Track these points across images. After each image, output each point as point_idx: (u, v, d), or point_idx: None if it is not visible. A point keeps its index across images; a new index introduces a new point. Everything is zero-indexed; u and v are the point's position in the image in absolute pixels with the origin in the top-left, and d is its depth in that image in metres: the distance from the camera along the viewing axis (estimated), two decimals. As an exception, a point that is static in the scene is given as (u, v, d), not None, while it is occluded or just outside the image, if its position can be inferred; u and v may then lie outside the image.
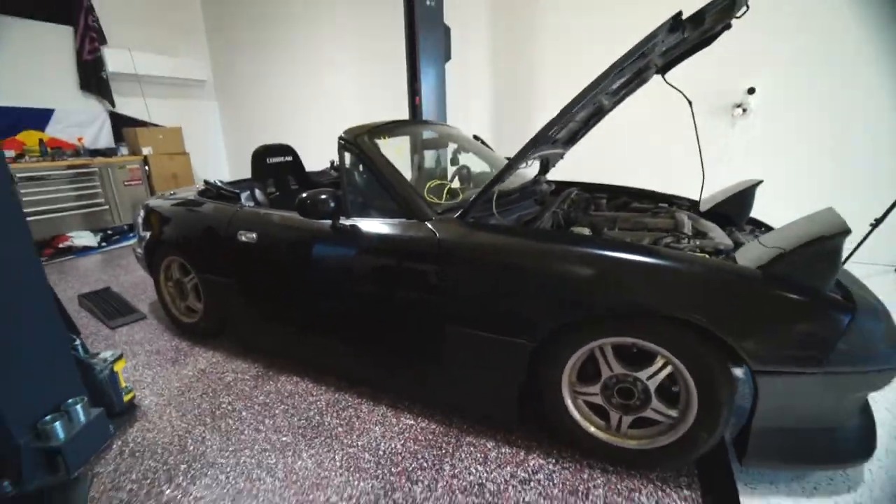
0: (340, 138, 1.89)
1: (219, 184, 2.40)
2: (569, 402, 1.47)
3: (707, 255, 1.50)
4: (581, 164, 3.38)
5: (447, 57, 3.91)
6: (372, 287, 1.71)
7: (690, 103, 2.08)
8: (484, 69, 4.43)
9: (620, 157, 3.98)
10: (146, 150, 4.67)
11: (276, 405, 1.85)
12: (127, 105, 4.84)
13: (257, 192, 2.26)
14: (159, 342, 2.41)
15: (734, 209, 2.19)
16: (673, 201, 2.46)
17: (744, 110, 3.52)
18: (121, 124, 4.75)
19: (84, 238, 4.13)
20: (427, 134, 2.48)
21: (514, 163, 1.56)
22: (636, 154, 3.98)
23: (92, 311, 2.81)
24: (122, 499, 1.40)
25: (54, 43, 4.25)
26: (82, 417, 1.56)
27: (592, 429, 1.46)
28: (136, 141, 4.64)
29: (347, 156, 1.86)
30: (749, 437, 1.29)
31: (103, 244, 4.38)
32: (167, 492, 1.42)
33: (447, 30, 3.86)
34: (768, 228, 2.18)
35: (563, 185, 2.61)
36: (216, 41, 5.76)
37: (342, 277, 1.79)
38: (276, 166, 2.46)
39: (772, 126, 3.48)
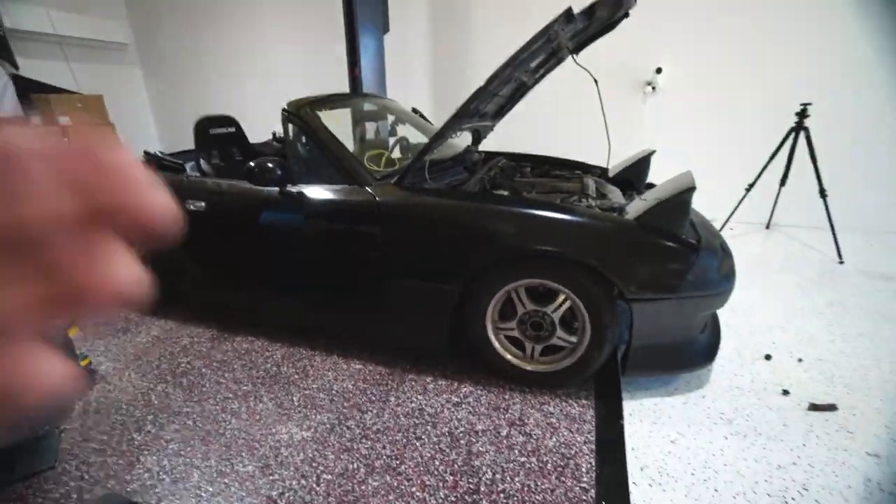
0: (284, 110, 2.00)
1: (160, 154, 2.41)
2: (492, 337, 1.78)
3: (600, 211, 1.84)
4: (510, 135, 3.68)
5: (385, 29, 3.98)
6: (320, 247, 1.89)
7: (596, 82, 2.37)
8: (423, 42, 4.53)
9: (545, 129, 4.32)
10: (63, 120, 4.33)
11: (234, 361, 2.00)
12: (36, 68, 4.41)
13: (202, 162, 2.31)
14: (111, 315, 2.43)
15: (633, 175, 2.56)
16: (587, 169, 2.80)
17: (653, 88, 3.96)
18: (29, 90, 4.34)
19: None
20: (367, 106, 2.62)
21: (442, 132, 1.78)
22: (560, 126, 4.34)
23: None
24: (94, 448, 1.53)
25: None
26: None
27: (510, 357, 1.78)
28: (49, 109, 4.28)
29: (291, 126, 1.98)
30: (629, 354, 1.67)
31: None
32: (138, 438, 1.57)
33: (384, 1, 3.91)
34: None
35: (492, 155, 2.87)
36: (136, 3, 5.32)
37: (291, 239, 1.95)
38: (219, 137, 2.50)
39: (677, 102, 3.95)
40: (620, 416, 1.64)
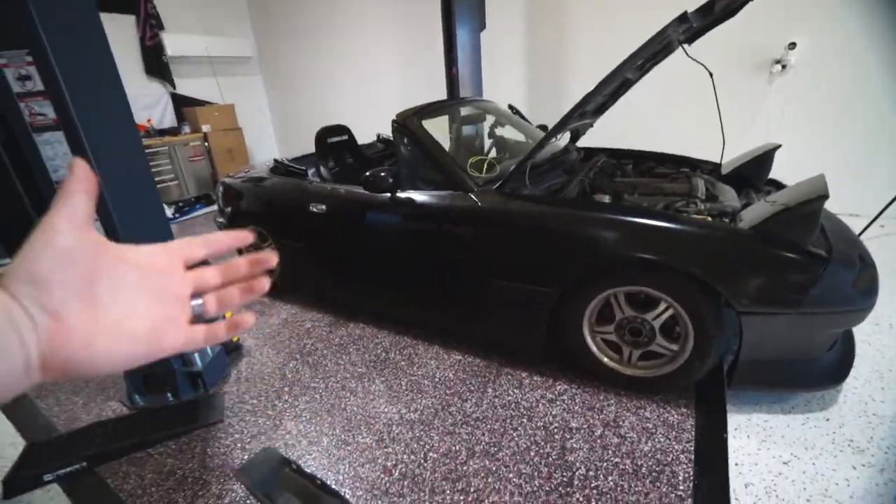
0: (393, 122, 2.19)
1: (287, 162, 2.78)
2: (588, 340, 1.81)
3: (710, 217, 1.75)
4: (615, 130, 3.55)
5: (482, 26, 4.03)
6: (426, 248, 2.07)
7: (711, 75, 2.23)
8: (518, 38, 4.51)
9: (651, 120, 4.06)
10: (205, 128, 5.13)
11: (350, 345, 2.29)
12: (183, 86, 5.26)
13: (322, 168, 2.62)
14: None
15: (752, 172, 2.36)
16: (696, 165, 2.64)
17: (783, 66, 3.51)
18: (181, 104, 5.21)
19: (163, 210, 4.71)
20: (467, 110, 2.73)
21: (544, 141, 1.83)
22: (668, 115, 4.05)
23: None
24: (248, 409, 1.89)
25: (121, 32, 4.67)
26: (209, 351, 2.04)
27: (606, 360, 1.80)
28: (195, 119, 5.09)
29: (400, 136, 2.17)
30: (736, 366, 1.60)
31: (177, 215, 4.96)
32: (279, 405, 1.90)
33: (482, 0, 3.97)
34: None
35: (592, 152, 2.82)
36: (259, 19, 6.03)
37: (401, 240, 2.15)
38: (335, 145, 2.81)
39: (813, 83, 3.47)
40: (724, 429, 1.58)
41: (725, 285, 1.48)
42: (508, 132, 2.85)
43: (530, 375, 1.94)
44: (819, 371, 1.62)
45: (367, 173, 2.03)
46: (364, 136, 3.52)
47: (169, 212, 4.83)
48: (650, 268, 1.58)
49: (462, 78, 4.00)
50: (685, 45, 2.22)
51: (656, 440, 1.56)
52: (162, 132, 5.02)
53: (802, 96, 3.52)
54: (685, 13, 1.49)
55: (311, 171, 2.60)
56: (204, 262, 0.39)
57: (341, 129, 2.86)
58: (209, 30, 5.48)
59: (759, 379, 1.63)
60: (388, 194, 2.07)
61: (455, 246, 1.96)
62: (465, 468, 1.51)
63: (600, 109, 2.70)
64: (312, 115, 5.96)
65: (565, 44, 4.30)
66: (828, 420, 1.60)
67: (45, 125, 1.55)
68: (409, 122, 2.15)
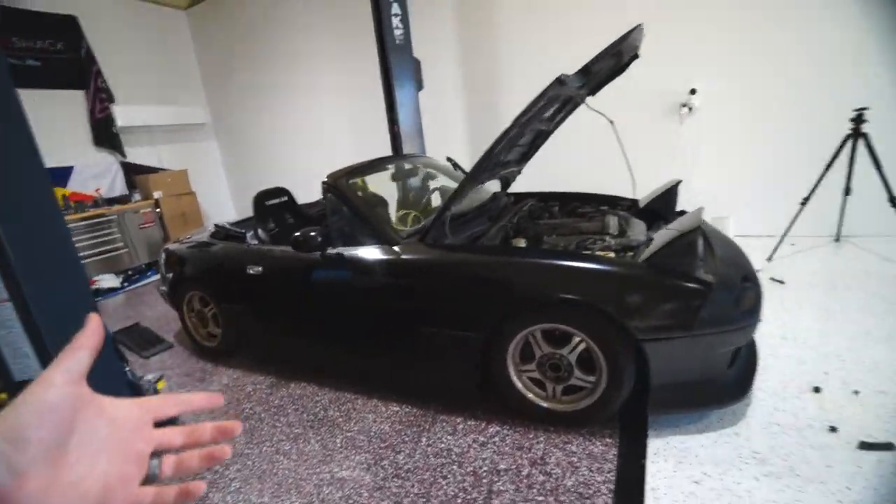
0: (323, 183, 2.31)
1: (227, 226, 2.84)
2: (514, 379, 1.87)
3: (614, 253, 1.90)
4: (549, 173, 3.81)
5: (420, 87, 4.33)
6: (357, 302, 2.13)
7: (612, 122, 2.47)
8: (456, 96, 4.86)
9: (583, 164, 4.37)
10: (157, 194, 5.15)
11: (288, 406, 2.26)
12: (136, 154, 5.33)
13: (260, 231, 2.69)
14: (187, 366, 2.85)
15: (662, 205, 2.57)
16: (617, 202, 2.84)
17: (689, 109, 3.90)
18: (132, 172, 5.25)
19: (108, 280, 4.61)
20: (399, 167, 2.89)
21: (456, 194, 1.97)
22: (597, 159, 4.36)
23: (126, 344, 3.26)
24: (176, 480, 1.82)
25: (70, 107, 4.76)
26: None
27: (532, 396, 1.86)
28: (147, 186, 5.12)
29: (330, 196, 2.28)
30: (649, 392, 1.69)
31: (125, 284, 4.85)
32: (209, 476, 1.84)
33: (417, 62, 4.29)
34: None
35: (522, 197, 3.01)
36: (212, 86, 6.27)
37: (333, 296, 2.21)
38: (273, 207, 2.90)
39: (715, 121, 3.86)
40: (643, 456, 1.64)
41: (627, 316, 1.59)
42: (443, 182, 3.02)
43: (465, 420, 1.97)
44: (723, 388, 1.72)
45: (297, 233, 2.11)
46: (317, 194, 3.64)
47: (118, 281, 4.73)
48: (558, 305, 1.69)
49: (406, 135, 4.23)
50: (588, 97, 2.47)
51: (580, 474, 1.60)
52: (111, 201, 5.00)
53: (710, 133, 3.90)
54: (560, 77, 1.69)
55: (249, 234, 2.66)
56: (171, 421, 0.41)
57: (279, 192, 2.96)
58: (163, 99, 5.64)
59: (673, 402, 1.71)
60: (319, 252, 2.15)
61: (384, 297, 2.03)
62: (392, 524, 1.50)
63: (524, 158, 2.92)
64: (267, 176, 6.08)
65: (500, 96, 4.66)
66: (737, 434, 1.69)
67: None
68: (338, 183, 2.27)
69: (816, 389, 1.89)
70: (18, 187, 1.66)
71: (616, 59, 2.08)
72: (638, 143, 4.04)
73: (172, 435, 0.40)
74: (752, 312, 1.69)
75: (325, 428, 2.05)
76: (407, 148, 4.20)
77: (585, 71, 1.86)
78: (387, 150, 4.27)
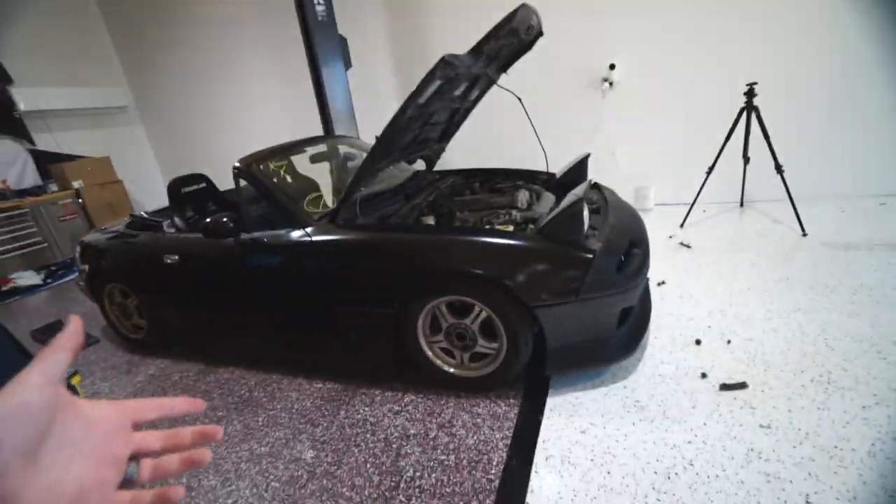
0: (234, 167, 2.27)
1: (143, 215, 2.74)
2: (426, 349, 1.97)
3: (514, 226, 2.02)
4: (478, 150, 3.89)
5: (348, 65, 4.25)
6: (273, 285, 2.15)
7: (520, 99, 2.56)
8: (385, 73, 4.79)
9: (508, 141, 4.47)
10: (76, 184, 4.83)
11: (215, 391, 2.28)
12: (48, 141, 4.94)
13: (176, 219, 2.62)
14: (113, 359, 2.78)
15: (572, 179, 2.70)
16: (535, 176, 2.96)
17: (610, 84, 4.06)
18: (45, 161, 4.88)
19: (27, 278, 4.34)
20: (314, 149, 2.86)
21: (354, 184, 2.00)
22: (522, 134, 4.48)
23: (46, 343, 3.12)
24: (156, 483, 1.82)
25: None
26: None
27: (442, 364, 1.98)
28: (63, 175, 4.79)
29: (242, 181, 2.25)
30: (546, 355, 1.83)
31: (48, 280, 4.58)
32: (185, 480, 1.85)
33: (343, 40, 4.18)
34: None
35: (447, 174, 3.07)
36: (131, 66, 5.84)
37: (250, 280, 2.21)
38: (191, 193, 2.81)
39: (633, 95, 4.04)
40: (540, 412, 1.80)
41: (516, 284, 1.71)
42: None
43: (382, 392, 2.07)
44: (613, 347, 1.89)
45: (208, 220, 2.09)
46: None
47: (39, 278, 4.46)
48: (457, 277, 1.79)
49: (337, 115, 4.17)
50: (498, 76, 2.53)
51: (481, 433, 1.74)
52: (22, 192, 4.65)
53: (629, 107, 4.09)
54: (444, 57, 1.72)
55: (166, 223, 2.59)
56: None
57: (197, 178, 2.88)
58: (74, 81, 5.21)
59: (568, 362, 1.87)
60: (232, 238, 2.14)
61: (299, 279, 2.07)
62: (303, 491, 1.58)
63: (444, 136, 2.97)
64: (202, 162, 5.82)
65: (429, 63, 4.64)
66: (625, 387, 1.88)
67: None
68: (251, 168, 2.24)
69: (697, 342, 2.11)
70: None
71: (513, 37, 2.14)
72: (565, 117, 4.22)
73: (151, 439, 0.39)
74: (635, 276, 1.86)
75: (248, 409, 2.10)
76: (339, 129, 4.14)
77: (477, 50, 1.91)
78: (320, 132, 4.20)
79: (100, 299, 2.81)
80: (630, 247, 1.98)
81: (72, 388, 2.11)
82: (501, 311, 1.79)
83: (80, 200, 4.84)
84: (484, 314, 1.84)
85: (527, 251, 1.74)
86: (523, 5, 1.80)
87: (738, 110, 3.30)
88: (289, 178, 2.58)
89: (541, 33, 2.44)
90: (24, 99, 4.67)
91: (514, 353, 1.83)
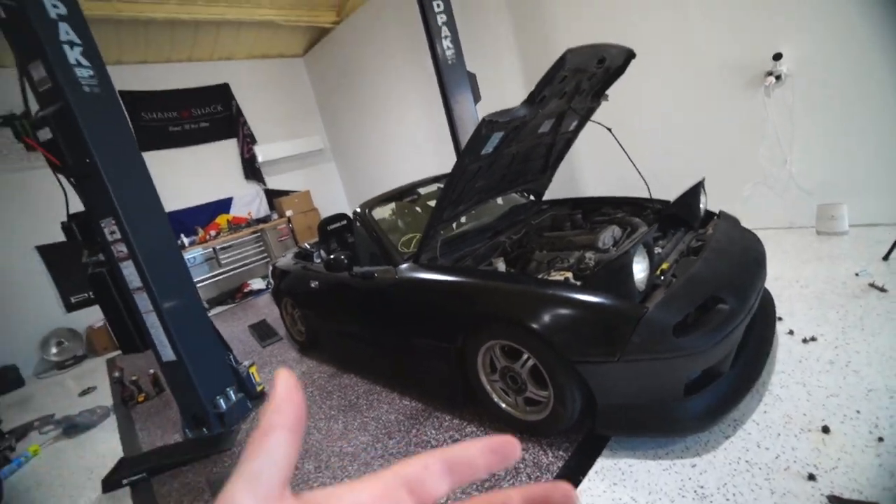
0: (354, 212, 2.81)
1: (306, 246, 3.60)
2: (487, 386, 2.09)
3: (571, 273, 1.96)
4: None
5: (477, 99, 4.55)
6: (373, 310, 2.58)
7: (609, 129, 2.41)
8: (514, 102, 4.91)
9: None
10: (288, 213, 6.49)
11: (335, 392, 2.86)
12: (274, 182, 6.78)
13: (322, 251, 3.36)
14: (286, 355, 3.73)
15: (684, 210, 2.41)
16: (646, 206, 2.72)
17: (777, 78, 3.29)
18: (271, 196, 6.70)
19: (257, 283, 6.06)
20: (425, 190, 3.23)
21: (429, 228, 2.23)
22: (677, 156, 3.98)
23: (254, 335, 4.36)
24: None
25: (227, 152, 6.36)
26: (233, 397, 2.80)
27: (501, 403, 2.05)
28: (281, 207, 6.50)
29: (357, 223, 2.77)
30: (596, 412, 1.74)
31: (269, 286, 6.28)
32: (270, 439, 2.53)
33: (473, 76, 4.51)
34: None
35: (554, 204, 3.07)
36: (327, 117, 7.50)
37: (360, 307, 2.71)
38: (335, 230, 3.55)
39: (812, 91, 3.19)
40: (584, 472, 1.72)
41: (553, 336, 1.69)
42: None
43: (451, 419, 2.26)
44: (683, 416, 1.66)
45: (331, 256, 2.66)
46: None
47: (263, 284, 6.17)
48: (505, 323, 1.86)
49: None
50: (596, 102, 2.47)
51: (518, 480, 1.77)
52: (258, 221, 6.51)
53: (807, 105, 3.23)
54: (484, 118, 1.80)
55: (315, 255, 3.36)
56: None
57: (339, 217, 3.60)
58: (290, 134, 7.01)
59: (623, 426, 1.73)
60: (346, 272, 2.66)
61: (388, 309, 2.44)
62: (363, 493, 1.92)
63: (547, 167, 2.98)
64: (375, 187, 7.02)
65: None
66: (693, 466, 1.63)
67: (123, 257, 2.53)
68: (363, 212, 2.75)
69: (825, 429, 1.64)
70: (149, 231, 2.55)
71: (581, 75, 2.06)
72: (719, 124, 3.62)
73: (433, 484, 0.26)
74: (712, 337, 1.59)
75: (351, 412, 2.58)
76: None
77: (530, 101, 1.93)
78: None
79: (280, 308, 3.79)
80: (711, 301, 1.69)
81: (249, 374, 2.96)
82: (545, 361, 1.78)
83: (290, 225, 6.48)
84: (532, 361, 1.85)
85: (563, 302, 1.70)
86: (569, 51, 1.76)
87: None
88: (399, 220, 3.01)
89: (631, 56, 2.28)
90: (261, 153, 6.54)
91: (562, 404, 1.79)
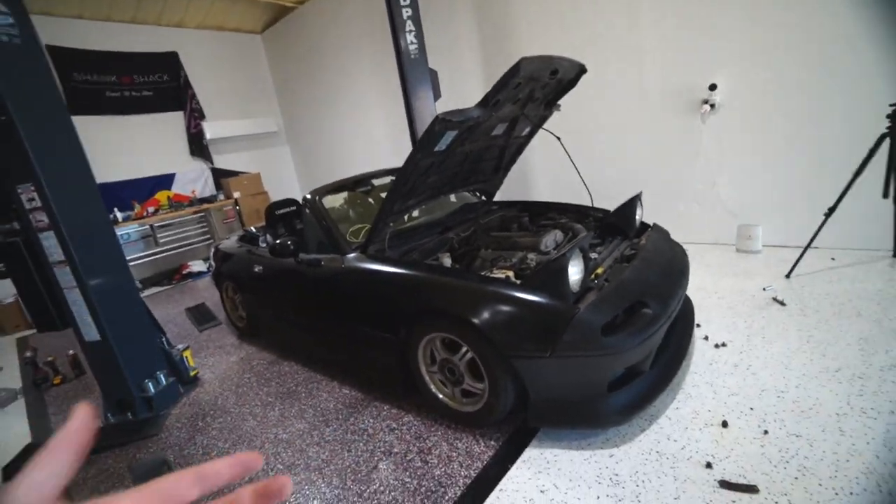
0: (303, 198, 2.76)
1: (252, 230, 3.47)
2: (426, 377, 2.14)
3: (513, 272, 2.05)
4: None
5: (437, 96, 4.59)
6: (318, 298, 2.55)
7: (559, 138, 2.53)
8: (473, 100, 5.00)
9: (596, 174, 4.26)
10: (236, 194, 6.21)
11: (274, 380, 2.80)
12: (221, 161, 6.45)
13: (268, 236, 3.27)
14: (222, 341, 3.59)
15: (621, 220, 2.57)
16: (589, 213, 2.87)
17: (711, 106, 3.59)
18: (219, 176, 6.38)
19: (197, 265, 5.75)
20: (379, 182, 3.23)
21: (377, 221, 2.25)
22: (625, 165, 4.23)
23: (190, 319, 4.16)
24: (177, 426, 2.46)
25: (172, 125, 5.97)
26: (163, 381, 2.67)
27: (439, 394, 2.11)
28: (228, 188, 6.20)
29: (306, 209, 2.72)
30: (528, 404, 1.84)
31: (210, 269, 5.97)
32: (199, 424, 2.45)
33: (434, 73, 4.54)
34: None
35: (504, 205, 3.17)
36: (283, 99, 7.23)
37: (303, 293, 2.66)
38: (283, 215, 3.46)
39: (741, 119, 3.51)
40: (512, 461, 1.81)
41: (490, 330, 1.76)
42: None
43: (389, 408, 2.30)
44: (605, 410, 1.79)
45: (277, 241, 2.60)
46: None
47: (204, 266, 5.87)
48: (447, 317, 1.91)
49: (425, 140, 4.55)
50: (548, 111, 2.57)
51: (450, 466, 1.84)
52: (202, 200, 6.17)
53: (735, 133, 3.56)
54: (437, 116, 1.84)
55: (261, 239, 3.25)
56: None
57: (289, 202, 3.51)
58: (243, 113, 6.70)
59: (550, 417, 1.84)
60: (293, 258, 2.61)
61: (332, 298, 2.43)
62: (294, 478, 1.91)
63: (499, 169, 3.07)
64: (326, 174, 6.87)
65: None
66: (611, 456, 1.77)
67: (43, 227, 2.33)
68: (314, 199, 2.70)
69: (724, 424, 1.83)
70: (75, 201, 2.37)
71: (534, 83, 2.16)
72: (658, 143, 3.88)
73: (185, 491, 0.30)
74: (635, 338, 1.73)
75: (289, 399, 2.54)
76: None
77: (484, 103, 2.00)
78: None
79: (220, 291, 3.64)
80: (637, 305, 1.84)
81: (183, 359, 2.83)
82: (483, 354, 1.85)
83: (237, 207, 6.20)
84: (470, 355, 1.92)
85: (503, 299, 1.78)
86: (524, 59, 1.84)
87: (876, 137, 2.66)
88: (350, 209, 2.99)
89: (583, 70, 2.40)
90: (210, 130, 6.19)
91: (496, 396, 1.88)
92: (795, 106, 3.24)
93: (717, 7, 3.38)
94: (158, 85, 5.85)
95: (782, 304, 2.72)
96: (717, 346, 2.39)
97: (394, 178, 3.08)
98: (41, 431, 2.69)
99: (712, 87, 3.51)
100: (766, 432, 1.75)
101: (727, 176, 3.71)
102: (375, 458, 1.95)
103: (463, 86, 5.00)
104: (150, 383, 2.60)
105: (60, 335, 2.83)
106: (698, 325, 2.61)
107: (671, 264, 2.21)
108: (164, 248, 5.55)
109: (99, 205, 2.50)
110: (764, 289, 2.94)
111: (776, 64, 3.24)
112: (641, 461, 1.71)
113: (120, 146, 5.59)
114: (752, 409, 1.90)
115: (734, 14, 3.32)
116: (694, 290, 2.95)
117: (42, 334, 2.81)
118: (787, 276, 3.06)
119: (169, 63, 5.96)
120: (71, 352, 3.33)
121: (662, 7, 3.63)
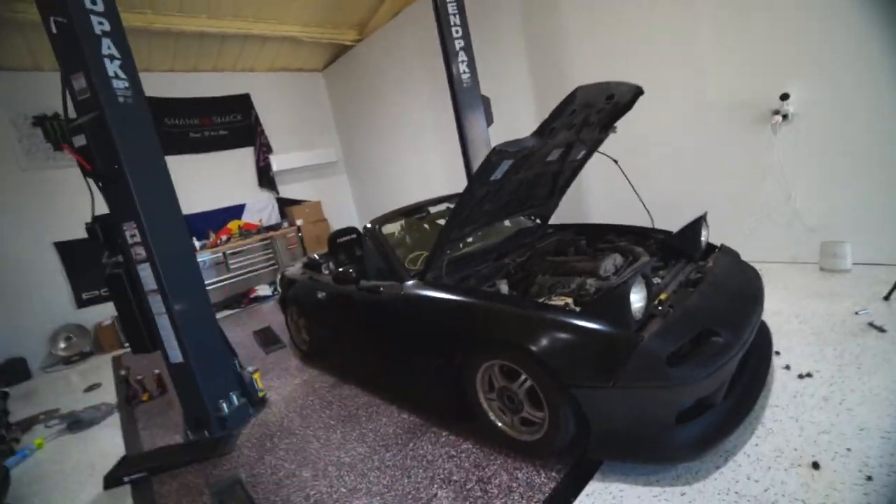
0: (364, 227, 2.90)
1: (315, 257, 3.69)
2: (484, 404, 2.13)
3: (570, 300, 2.02)
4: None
5: (490, 121, 4.68)
6: (377, 325, 2.64)
7: (616, 161, 2.50)
8: (528, 128, 5.05)
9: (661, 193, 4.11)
10: (299, 222, 6.62)
11: (335, 403, 2.91)
12: (286, 191, 6.94)
13: (331, 263, 3.45)
14: (286, 363, 3.79)
15: (685, 242, 2.47)
16: (649, 235, 2.78)
17: (784, 117, 3.38)
18: (283, 205, 6.85)
19: (263, 289, 6.15)
20: (434, 209, 3.32)
21: (436, 249, 2.31)
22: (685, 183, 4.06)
23: (257, 341, 4.43)
24: (248, 445, 2.61)
25: (243, 159, 6.55)
26: (236, 402, 2.86)
27: (497, 422, 2.09)
28: (292, 215, 6.64)
29: (367, 238, 2.86)
30: (590, 436, 1.78)
31: (275, 293, 6.36)
32: (267, 444, 2.58)
33: (487, 100, 4.65)
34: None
35: (562, 228, 3.15)
36: (343, 131, 7.70)
37: (364, 319, 2.77)
38: (344, 243, 3.65)
39: (818, 131, 3.26)
40: (575, 495, 1.75)
41: (550, 359, 1.74)
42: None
43: (448, 435, 2.30)
44: (674, 445, 1.69)
45: (340, 269, 2.75)
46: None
47: (269, 290, 6.26)
48: (506, 345, 1.92)
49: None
50: (604, 134, 2.57)
51: (511, 497, 1.80)
52: (268, 228, 6.64)
53: (812, 144, 3.30)
54: (494, 148, 1.88)
55: (324, 266, 3.44)
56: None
57: (349, 231, 3.70)
58: (305, 146, 7.20)
59: (615, 451, 1.77)
60: (354, 285, 2.73)
61: (392, 323, 2.51)
62: (357, 502, 1.96)
63: (554, 193, 3.06)
64: (384, 202, 7.16)
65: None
66: (682, 495, 1.66)
67: (141, 260, 2.62)
68: (373, 228, 2.83)
69: (815, 465, 1.66)
70: (167, 235, 2.65)
71: (589, 109, 2.16)
72: (722, 160, 3.69)
73: None
74: (704, 368, 1.63)
75: (350, 423, 2.62)
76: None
77: (540, 132, 2.02)
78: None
79: (286, 315, 3.87)
80: (706, 333, 1.74)
81: (252, 380, 3.02)
82: (542, 383, 1.83)
83: (300, 234, 6.61)
84: (529, 383, 1.90)
85: (563, 327, 1.76)
86: (579, 88, 1.85)
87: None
88: (407, 236, 3.10)
89: (639, 92, 2.38)
90: (276, 162, 6.71)
91: (555, 426, 1.83)
92: (882, 112, 2.97)
93: (783, 11, 3.22)
94: (233, 124, 6.49)
95: (881, 330, 2.44)
96: (800, 376, 2.19)
97: (450, 204, 3.17)
98: (133, 444, 2.96)
99: (784, 97, 3.30)
100: (869, 478, 1.57)
101: (804, 189, 3.44)
102: (435, 487, 1.95)
103: (516, 111, 5.06)
104: (223, 403, 2.79)
105: (147, 356, 3.13)
106: (777, 353, 2.40)
107: (742, 288, 2.07)
108: (235, 273, 6.01)
109: (186, 238, 2.78)
110: (857, 312, 2.66)
111: (858, 69, 3.00)
112: (718, 502, 1.59)
113: (199, 181, 6.19)
114: (849, 450, 1.71)
115: (803, 18, 3.14)
116: (770, 314, 2.72)
117: (133, 355, 3.12)
118: (886, 297, 2.74)
119: (242, 104, 6.60)
120: (156, 371, 3.66)
121: (721, 17, 3.51)
